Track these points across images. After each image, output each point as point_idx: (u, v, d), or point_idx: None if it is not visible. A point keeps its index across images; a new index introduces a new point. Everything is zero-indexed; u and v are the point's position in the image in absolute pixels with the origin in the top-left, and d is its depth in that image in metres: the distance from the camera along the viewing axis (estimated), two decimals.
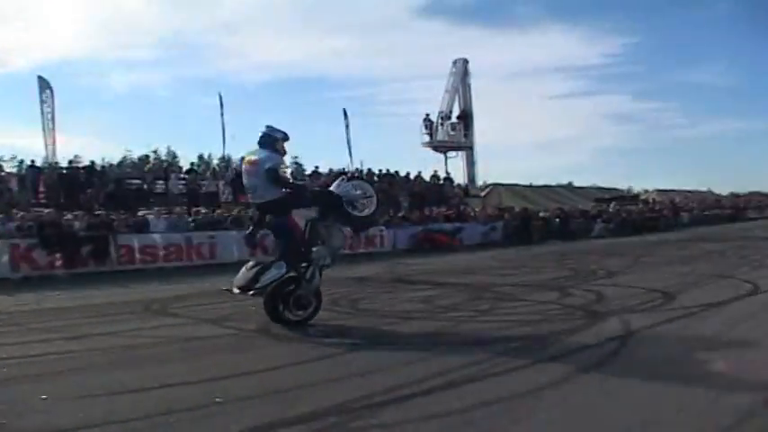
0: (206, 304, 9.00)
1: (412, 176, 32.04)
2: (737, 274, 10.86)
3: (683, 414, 3.82)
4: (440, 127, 35.12)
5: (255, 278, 6.74)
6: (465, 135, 35.48)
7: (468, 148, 35.89)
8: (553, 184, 57.75)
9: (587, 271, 12.47)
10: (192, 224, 17.95)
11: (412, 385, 4.51)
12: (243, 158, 7.29)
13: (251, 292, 6.74)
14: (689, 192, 62.07)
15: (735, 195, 65.98)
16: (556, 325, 6.70)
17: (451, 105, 35.40)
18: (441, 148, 35.27)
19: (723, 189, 65.71)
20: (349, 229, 8.06)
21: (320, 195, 7.46)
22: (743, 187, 67.97)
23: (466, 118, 35.52)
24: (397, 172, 31.47)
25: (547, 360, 5.17)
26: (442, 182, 33.52)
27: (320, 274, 7.07)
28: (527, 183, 54.40)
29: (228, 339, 6.63)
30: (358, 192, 7.46)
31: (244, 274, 6.90)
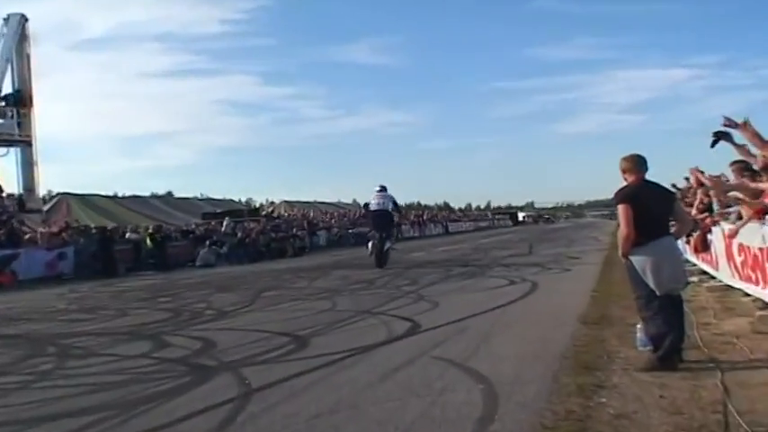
0: None
1: None
2: (390, 309, 11.31)
3: None
4: None
5: (382, 246, 20.70)
6: (20, 124, 33.05)
7: (24, 144, 33.53)
8: (146, 194, 57.82)
9: (191, 311, 12.50)
10: None
11: None
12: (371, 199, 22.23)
13: (371, 255, 20.93)
14: (328, 204, 67.55)
15: None
16: (149, 386, 6.56)
17: (1, 82, 32.71)
18: None
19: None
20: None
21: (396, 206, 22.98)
22: (402, 197, 76.06)
23: (22, 100, 33.11)
24: None
25: None
26: None
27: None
28: (109, 193, 53.36)
29: None
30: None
31: (374, 245, 20.86)
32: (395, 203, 22.23)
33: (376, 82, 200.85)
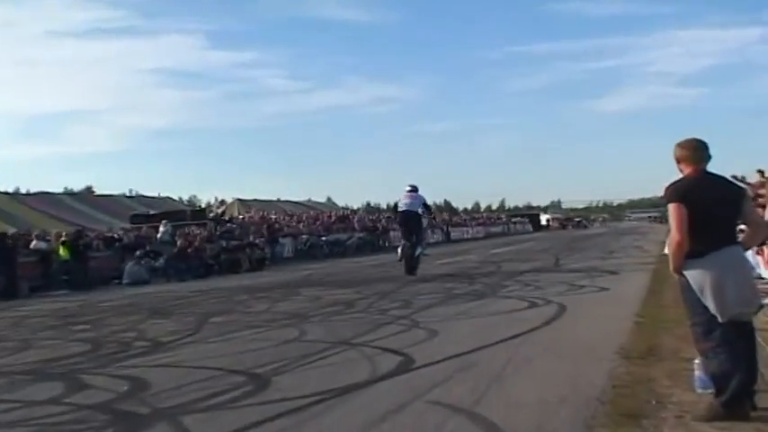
0: None
1: None
2: (375, 339, 11.34)
3: None
4: None
5: (413, 251, 24.57)
6: None
7: None
8: (58, 190, 57.62)
9: (116, 342, 12.51)
10: None
11: None
12: (401, 198, 25.74)
13: (400, 259, 25.11)
14: (295, 204, 67.50)
15: (373, 209, 73.20)
16: None
17: None
18: None
19: (353, 200, 72.57)
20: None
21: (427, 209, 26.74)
22: (391, 194, 75.76)
23: None
24: None
25: None
26: None
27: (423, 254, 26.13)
28: (9, 188, 53.20)
29: None
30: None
31: (404, 251, 24.88)
32: (425, 205, 25.50)
33: (357, 46, 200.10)
